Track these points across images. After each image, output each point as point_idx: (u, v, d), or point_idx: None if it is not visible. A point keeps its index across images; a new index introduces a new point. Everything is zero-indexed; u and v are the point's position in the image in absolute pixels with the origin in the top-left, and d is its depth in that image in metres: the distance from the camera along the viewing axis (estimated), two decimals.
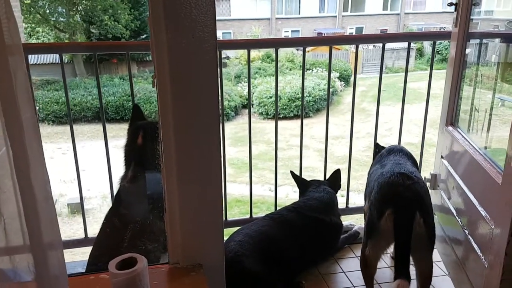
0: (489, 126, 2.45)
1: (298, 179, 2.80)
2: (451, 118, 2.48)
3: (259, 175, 9.48)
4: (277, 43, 2.95)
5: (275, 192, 3.12)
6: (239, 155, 9.98)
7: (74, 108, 12.34)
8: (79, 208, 4.73)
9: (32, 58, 16.19)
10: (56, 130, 11.72)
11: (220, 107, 2.97)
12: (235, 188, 8.82)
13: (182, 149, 1.31)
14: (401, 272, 1.90)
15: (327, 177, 2.86)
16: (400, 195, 2.02)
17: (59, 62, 2.51)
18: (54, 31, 18.32)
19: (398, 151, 2.42)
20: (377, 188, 2.11)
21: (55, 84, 14.55)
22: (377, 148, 2.75)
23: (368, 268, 2.15)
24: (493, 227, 1.89)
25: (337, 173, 2.79)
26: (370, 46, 20.54)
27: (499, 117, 2.54)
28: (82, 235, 2.66)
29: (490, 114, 2.47)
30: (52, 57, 15.03)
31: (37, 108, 11.58)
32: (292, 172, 2.82)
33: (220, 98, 2.92)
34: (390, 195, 2.04)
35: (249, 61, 2.63)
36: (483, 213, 2.00)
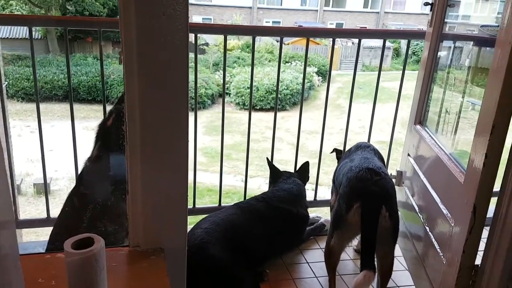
0: (456, 128, 2.51)
1: (273, 168, 2.81)
2: (420, 117, 2.52)
3: (232, 165, 9.47)
4: (254, 31, 2.92)
5: (245, 182, 3.11)
6: (213, 144, 9.93)
7: (45, 86, 11.99)
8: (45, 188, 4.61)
9: (4, 32, 15.62)
10: (26, 108, 11.37)
11: (194, 92, 2.94)
12: (207, 177, 8.79)
13: (147, 131, 1.28)
14: (366, 263, 1.96)
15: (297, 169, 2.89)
16: (368, 189, 2.07)
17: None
18: (29, 5, 17.71)
19: (365, 147, 2.48)
20: (346, 182, 2.14)
21: (27, 60, 14.09)
22: (336, 152, 2.83)
23: (331, 259, 2.19)
24: (453, 225, 1.94)
25: (305, 165, 2.82)
26: (349, 43, 20.73)
27: (468, 120, 2.60)
28: (46, 215, 2.60)
29: (459, 117, 2.52)
30: (25, 32, 14.54)
31: (6, 83, 11.20)
32: (268, 159, 2.83)
33: (194, 84, 2.92)
34: (358, 189, 2.09)
35: (225, 47, 2.60)
36: (445, 211, 2.05)
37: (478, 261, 1.90)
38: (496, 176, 1.78)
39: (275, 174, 2.78)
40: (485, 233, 1.88)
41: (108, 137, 1.94)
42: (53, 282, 1.22)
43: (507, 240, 1.75)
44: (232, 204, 2.63)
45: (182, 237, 1.45)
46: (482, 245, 1.90)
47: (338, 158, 2.85)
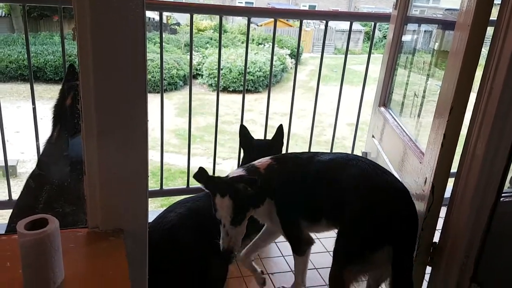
0: (420, 110, 2.55)
1: (245, 137, 2.60)
2: (384, 99, 2.56)
3: (205, 147, 9.42)
4: (221, 10, 2.89)
5: (214, 165, 3.11)
6: (185, 126, 9.81)
7: (10, 66, 11.55)
8: (10, 170, 4.48)
9: None
10: None
11: (160, 72, 2.86)
12: (179, 159, 8.72)
13: (103, 109, 1.25)
14: None
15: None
16: (404, 227, 1.84)
17: None
18: None
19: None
20: (363, 205, 1.88)
21: None
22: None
23: None
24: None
25: (280, 129, 2.57)
26: (321, 26, 20.73)
27: (435, 103, 2.65)
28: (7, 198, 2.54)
29: (423, 100, 2.57)
30: None
31: None
32: (243, 126, 2.63)
33: (160, 64, 2.87)
34: (391, 225, 1.83)
35: (191, 26, 2.56)
36: None
37: (436, 239, 1.98)
38: (454, 156, 1.83)
39: (246, 146, 2.61)
40: (443, 212, 1.95)
41: (68, 118, 1.89)
42: (8, 263, 1.19)
43: (464, 218, 1.81)
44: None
45: (143, 219, 1.43)
46: (439, 225, 1.97)
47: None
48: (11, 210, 2.44)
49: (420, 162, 1.95)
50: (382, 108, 2.51)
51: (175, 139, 9.59)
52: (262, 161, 2.06)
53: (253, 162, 2.07)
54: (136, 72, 1.24)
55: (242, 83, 12.32)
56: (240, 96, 2.91)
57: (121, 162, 1.32)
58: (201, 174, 1.95)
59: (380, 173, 1.91)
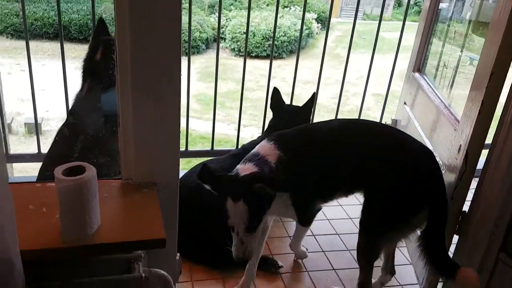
0: (453, 82, 2.48)
1: (277, 101, 2.53)
2: (419, 64, 2.49)
3: (226, 113, 9.39)
4: None
5: (238, 134, 3.09)
6: (207, 91, 9.80)
7: (35, 23, 11.55)
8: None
9: None
10: (15, 45, 11.04)
11: (188, 35, 2.83)
12: (200, 125, 8.73)
13: (138, 64, 1.24)
14: (454, 263, 1.77)
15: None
16: (440, 187, 1.84)
17: None
18: None
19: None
20: (405, 172, 1.82)
21: None
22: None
23: (374, 256, 1.98)
24: (444, 171, 1.96)
25: (313, 97, 2.50)
26: None
27: (465, 75, 2.57)
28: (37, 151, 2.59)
29: (456, 71, 2.49)
30: None
31: None
32: (276, 89, 2.56)
33: (188, 26, 2.81)
34: (429, 187, 1.81)
35: None
36: (437, 158, 2.06)
37: (464, 208, 1.94)
38: (490, 124, 1.77)
39: (278, 106, 2.54)
40: (473, 184, 1.90)
41: (98, 72, 1.89)
42: (44, 209, 1.22)
43: (497, 187, 1.77)
44: (237, 149, 2.59)
45: (175, 173, 1.45)
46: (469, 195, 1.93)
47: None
48: (37, 164, 2.50)
49: (455, 129, 1.90)
50: (417, 74, 2.44)
51: (196, 104, 9.57)
52: (267, 151, 1.77)
53: (258, 151, 1.79)
54: (172, 28, 1.22)
55: (265, 48, 12.13)
56: (263, 61, 2.86)
57: (155, 117, 1.33)
58: (206, 173, 1.66)
59: (402, 133, 1.89)
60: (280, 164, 1.73)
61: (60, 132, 1.75)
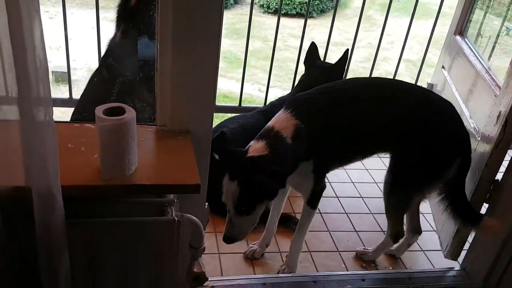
0: (493, 48, 2.38)
1: (312, 55, 2.48)
2: (461, 27, 2.38)
3: (250, 73, 9.26)
4: None
5: (266, 95, 3.06)
6: (233, 48, 9.66)
7: None
8: (64, 77, 4.58)
9: None
10: None
11: None
12: (224, 84, 8.66)
13: (179, 10, 1.21)
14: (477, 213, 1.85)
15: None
16: (468, 140, 1.86)
17: None
18: None
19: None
20: (444, 128, 1.82)
21: None
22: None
23: (409, 209, 2.04)
24: (479, 139, 1.92)
25: (346, 54, 2.41)
26: None
27: (501, 46, 2.46)
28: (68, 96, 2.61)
29: (495, 42, 2.38)
30: None
31: None
32: (313, 43, 2.50)
33: None
34: (461, 140, 1.84)
35: None
36: (472, 124, 2.01)
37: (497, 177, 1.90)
38: None
39: (311, 61, 2.49)
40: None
41: (133, 17, 1.87)
42: (83, 148, 1.24)
43: None
44: (265, 106, 2.58)
45: (209, 122, 1.44)
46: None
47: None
48: (69, 109, 2.53)
49: (495, 96, 1.83)
50: (458, 37, 2.34)
51: (221, 62, 9.45)
52: (283, 123, 1.67)
53: (273, 125, 1.68)
54: None
55: (295, 6, 11.79)
56: (292, 20, 2.77)
57: (193, 65, 1.31)
58: (220, 140, 1.60)
59: (424, 88, 1.92)
60: (297, 136, 1.64)
61: (98, 72, 1.75)
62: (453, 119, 1.81)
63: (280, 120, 1.68)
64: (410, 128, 1.77)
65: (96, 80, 1.73)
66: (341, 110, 1.75)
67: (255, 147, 1.60)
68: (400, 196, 1.91)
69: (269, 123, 1.70)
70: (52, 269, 1.07)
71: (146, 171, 1.20)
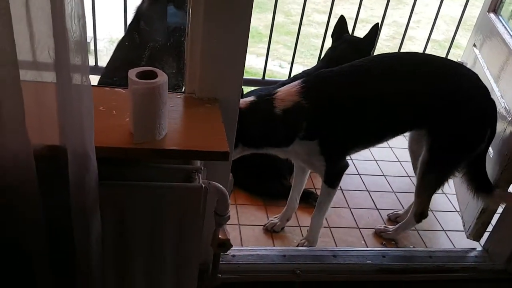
0: None
1: (340, 29, 2.43)
2: (495, 4, 2.30)
3: (272, 48, 9.13)
4: None
5: (291, 65, 3.03)
6: (254, 22, 9.50)
7: None
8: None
9: None
10: None
11: None
12: None
13: None
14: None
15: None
16: (496, 110, 1.86)
17: None
18: None
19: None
20: (477, 101, 1.80)
21: None
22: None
23: None
24: (509, 119, 1.87)
25: (375, 28, 2.35)
26: None
27: None
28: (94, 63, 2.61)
29: None
30: None
31: None
32: (342, 16, 2.47)
33: None
34: (492, 111, 1.82)
35: None
36: (503, 104, 1.96)
37: None
38: None
39: (339, 34, 2.44)
40: None
41: None
42: (114, 112, 1.25)
43: None
44: (288, 79, 2.55)
45: (237, 90, 1.44)
46: None
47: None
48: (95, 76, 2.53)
49: None
50: (492, 15, 2.26)
51: None
52: (286, 94, 1.66)
53: (276, 92, 1.69)
54: None
55: None
56: None
57: (224, 32, 1.30)
58: None
59: (447, 60, 1.86)
60: (292, 112, 1.63)
61: (130, 35, 1.73)
62: (482, 91, 1.78)
63: (286, 91, 1.68)
64: (442, 103, 1.73)
65: (127, 44, 1.72)
66: (357, 92, 1.70)
67: (245, 99, 1.66)
68: (438, 175, 1.88)
69: (278, 89, 1.72)
70: (85, 228, 1.09)
71: (175, 137, 1.20)
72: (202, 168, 1.32)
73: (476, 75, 1.81)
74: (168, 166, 1.27)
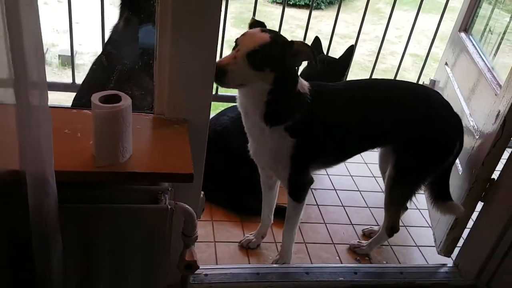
0: (499, 47, 2.35)
1: (315, 49, 2.51)
2: (466, 24, 2.36)
3: None
4: None
5: None
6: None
7: None
8: (69, 60, 4.57)
9: None
10: None
11: None
12: None
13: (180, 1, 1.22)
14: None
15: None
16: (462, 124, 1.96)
17: None
18: None
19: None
20: (448, 116, 1.88)
21: None
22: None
23: None
24: (477, 137, 1.92)
25: (350, 49, 2.40)
26: None
27: (509, 43, 2.43)
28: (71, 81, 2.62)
29: (502, 38, 2.35)
30: None
31: None
32: (317, 38, 2.47)
33: None
34: (459, 125, 1.90)
35: None
36: (472, 122, 2.01)
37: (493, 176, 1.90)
38: None
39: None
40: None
41: (135, 4, 1.87)
42: (79, 134, 1.25)
43: None
44: None
45: (206, 112, 1.45)
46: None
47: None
48: (71, 94, 2.54)
49: (495, 95, 1.82)
50: (463, 34, 2.33)
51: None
52: (305, 83, 1.70)
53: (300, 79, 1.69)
54: None
55: None
56: (300, 11, 2.74)
57: (192, 54, 1.32)
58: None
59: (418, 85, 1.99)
60: (302, 99, 1.64)
61: (98, 60, 1.76)
62: (447, 108, 1.86)
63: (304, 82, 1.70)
64: (404, 123, 1.79)
65: (96, 67, 1.74)
66: (341, 110, 1.74)
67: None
68: (404, 190, 1.93)
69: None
70: (45, 253, 1.09)
71: (140, 159, 1.21)
72: (170, 188, 1.33)
73: (438, 93, 1.89)
74: (134, 187, 1.27)
